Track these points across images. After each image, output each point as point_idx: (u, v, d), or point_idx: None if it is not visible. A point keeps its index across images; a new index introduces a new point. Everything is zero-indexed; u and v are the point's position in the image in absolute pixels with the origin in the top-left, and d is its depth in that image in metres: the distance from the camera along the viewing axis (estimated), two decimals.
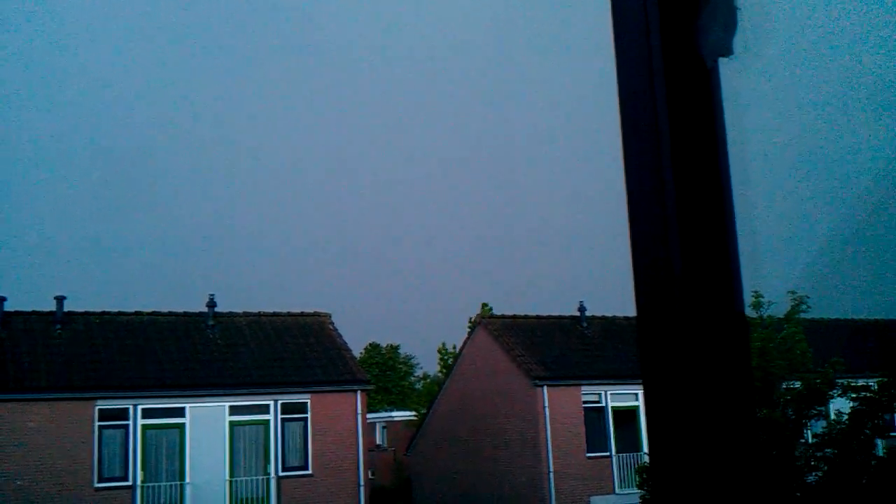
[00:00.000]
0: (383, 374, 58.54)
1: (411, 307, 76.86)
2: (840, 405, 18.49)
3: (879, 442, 17.84)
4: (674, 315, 1.19)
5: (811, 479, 17.56)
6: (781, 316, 18.87)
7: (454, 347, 42.71)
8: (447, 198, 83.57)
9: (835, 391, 18.20)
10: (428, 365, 59.79)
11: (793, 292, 17.38)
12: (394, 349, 62.87)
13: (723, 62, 1.26)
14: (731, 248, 1.22)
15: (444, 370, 42.00)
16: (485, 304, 38.19)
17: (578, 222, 75.85)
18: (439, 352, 47.24)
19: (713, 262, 1.20)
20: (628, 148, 1.28)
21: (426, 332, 68.73)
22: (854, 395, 17.77)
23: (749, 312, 18.19)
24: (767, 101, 1.55)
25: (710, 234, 1.21)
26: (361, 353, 58.58)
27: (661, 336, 1.21)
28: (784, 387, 18.48)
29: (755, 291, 16.30)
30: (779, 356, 18.31)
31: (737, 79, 1.27)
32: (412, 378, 62.42)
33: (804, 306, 18.56)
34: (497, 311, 33.80)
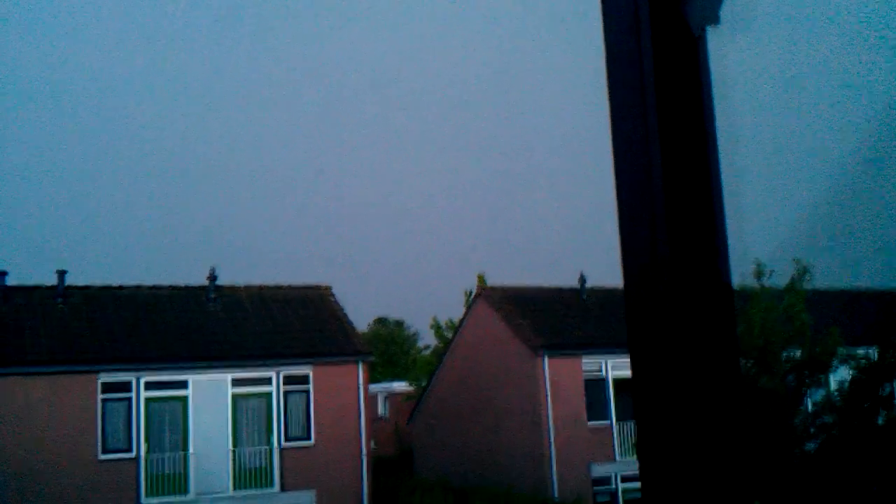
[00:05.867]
0: (388, 349, 58.78)
1: (411, 280, 76.90)
2: (841, 375, 18.53)
3: (882, 411, 17.89)
4: (660, 286, 1.18)
5: (810, 447, 17.66)
6: (783, 286, 18.81)
7: (450, 321, 42.63)
8: (445, 168, 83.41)
9: (835, 360, 18.25)
10: (429, 338, 59.98)
11: (797, 261, 17.25)
12: (399, 324, 63.31)
13: (710, 30, 1.24)
14: (718, 219, 1.21)
15: (442, 343, 42.03)
16: (480, 276, 37.99)
17: (577, 194, 75.73)
18: (431, 326, 47.08)
19: (700, 233, 1.19)
20: (616, 118, 1.27)
21: (427, 305, 68.90)
22: (854, 364, 17.81)
23: (751, 282, 18.15)
24: (756, 69, 1.53)
25: (697, 204, 1.20)
26: (369, 325, 58.90)
27: (647, 307, 1.20)
28: (784, 356, 18.51)
29: (757, 260, 16.20)
30: (779, 326, 18.32)
31: (725, 47, 1.25)
32: (413, 350, 62.75)
33: (807, 276, 18.46)
34: (496, 283, 33.78)
